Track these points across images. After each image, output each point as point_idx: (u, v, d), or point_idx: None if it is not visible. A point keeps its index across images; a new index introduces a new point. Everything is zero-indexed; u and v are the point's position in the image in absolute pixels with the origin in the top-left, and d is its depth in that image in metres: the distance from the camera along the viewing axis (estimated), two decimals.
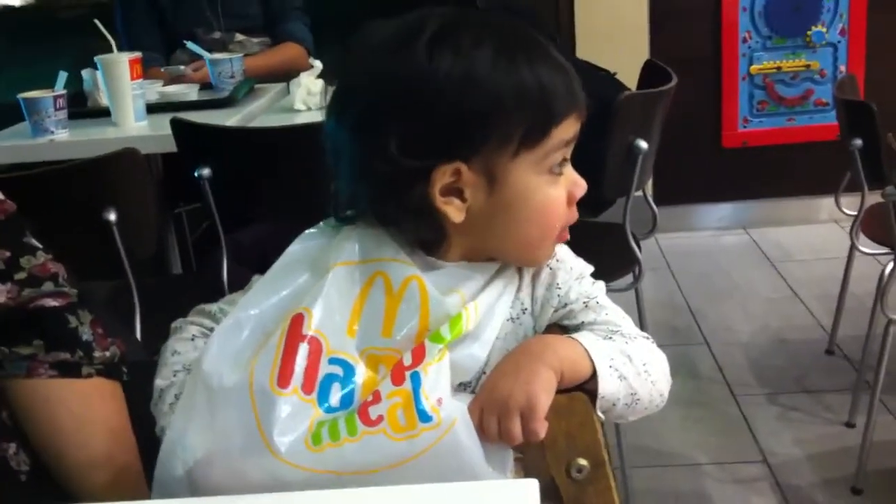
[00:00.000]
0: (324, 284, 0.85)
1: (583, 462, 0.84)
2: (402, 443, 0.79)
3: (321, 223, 0.93)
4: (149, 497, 0.96)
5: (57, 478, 1.01)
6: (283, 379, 0.81)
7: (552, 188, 0.87)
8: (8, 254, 1.00)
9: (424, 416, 0.79)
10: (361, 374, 0.83)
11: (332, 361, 0.83)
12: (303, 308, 0.84)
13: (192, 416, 0.83)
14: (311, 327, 0.83)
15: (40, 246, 1.05)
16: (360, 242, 0.88)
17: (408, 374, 0.81)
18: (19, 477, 1.01)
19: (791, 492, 2.17)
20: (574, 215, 0.91)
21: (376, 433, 0.79)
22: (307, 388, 0.81)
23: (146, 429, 0.96)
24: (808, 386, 2.63)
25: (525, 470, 0.86)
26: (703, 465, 2.31)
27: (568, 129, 0.86)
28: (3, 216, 1.02)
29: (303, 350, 0.82)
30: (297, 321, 0.83)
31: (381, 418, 0.80)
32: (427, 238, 0.88)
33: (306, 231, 0.92)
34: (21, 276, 1.00)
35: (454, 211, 0.85)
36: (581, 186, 0.89)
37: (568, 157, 0.88)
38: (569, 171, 0.89)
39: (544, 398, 0.81)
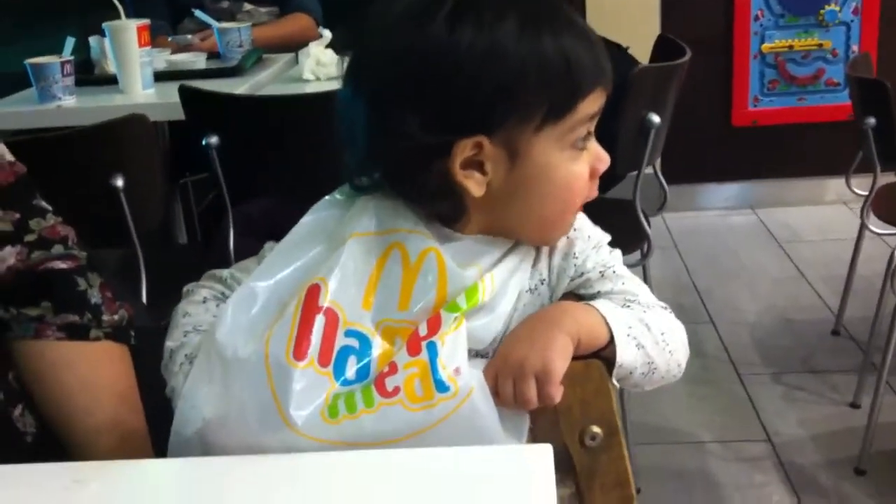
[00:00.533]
0: (340, 255, 0.83)
1: (596, 430, 0.84)
2: (420, 413, 0.78)
3: (336, 192, 0.91)
4: (152, 454, 0.97)
5: (63, 441, 1.00)
6: (300, 351, 0.80)
7: (575, 164, 0.85)
8: (18, 216, 1.00)
9: (442, 386, 0.79)
10: (378, 346, 0.82)
11: (349, 334, 0.82)
12: (319, 279, 0.83)
13: (207, 386, 0.82)
14: (327, 298, 0.82)
15: (50, 208, 1.04)
16: (376, 213, 0.86)
17: (424, 344, 0.80)
18: (25, 438, 1.01)
19: (794, 471, 2.16)
20: (594, 191, 0.89)
21: (393, 404, 0.78)
22: (323, 360, 0.80)
23: (153, 395, 0.96)
24: (813, 366, 2.63)
25: (535, 439, 0.85)
26: (708, 443, 2.31)
27: (594, 103, 0.84)
28: (14, 178, 1.02)
29: (319, 322, 0.81)
30: (313, 292, 0.82)
31: (397, 389, 0.79)
32: (446, 212, 0.86)
33: (322, 200, 0.91)
34: (31, 238, 1.00)
35: (474, 185, 0.83)
36: (605, 161, 0.87)
37: (592, 130, 0.86)
38: (592, 145, 0.87)
39: (560, 363, 0.80)
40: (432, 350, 0.80)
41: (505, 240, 0.88)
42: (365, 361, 0.81)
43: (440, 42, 0.79)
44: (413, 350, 0.80)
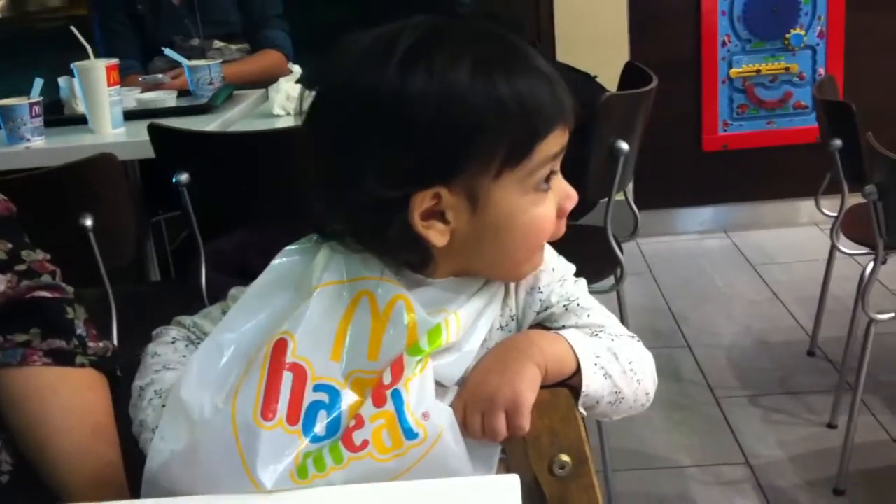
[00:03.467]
0: (307, 308, 0.82)
1: (565, 458, 0.84)
2: (390, 463, 0.78)
3: (303, 239, 0.89)
4: (127, 493, 0.96)
5: (39, 469, 1.00)
6: (268, 411, 0.79)
7: (539, 206, 0.83)
8: (10, 245, 1.02)
9: (410, 434, 0.78)
10: (348, 399, 0.81)
11: (318, 388, 0.80)
12: (285, 333, 0.81)
13: (174, 449, 0.81)
14: (294, 354, 0.80)
15: (37, 248, 1.07)
16: (344, 261, 0.84)
17: (388, 393, 0.79)
18: (0, 479, 1.00)
19: (774, 493, 2.17)
20: (562, 228, 0.87)
21: (363, 458, 0.78)
22: (292, 418, 0.79)
23: (123, 432, 0.96)
24: (790, 387, 2.64)
25: (507, 469, 0.85)
26: (687, 467, 2.31)
27: (554, 143, 0.82)
28: (7, 212, 1.05)
29: (286, 379, 0.80)
30: (280, 347, 0.81)
31: (366, 443, 0.78)
32: (412, 260, 0.84)
33: (287, 248, 0.89)
34: (21, 267, 1.02)
35: (436, 235, 0.81)
36: (573, 199, 0.86)
37: (557, 169, 0.84)
38: (558, 183, 0.85)
39: (529, 395, 0.80)
40: (398, 398, 0.79)
41: (474, 280, 0.86)
42: (335, 415, 0.80)
43: (393, 90, 0.77)
44: (378, 401, 0.79)
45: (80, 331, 1.03)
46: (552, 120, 0.81)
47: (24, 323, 1.01)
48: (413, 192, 0.79)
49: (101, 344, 1.05)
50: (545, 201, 0.84)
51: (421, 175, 0.79)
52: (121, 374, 1.07)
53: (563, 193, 0.85)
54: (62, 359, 1.01)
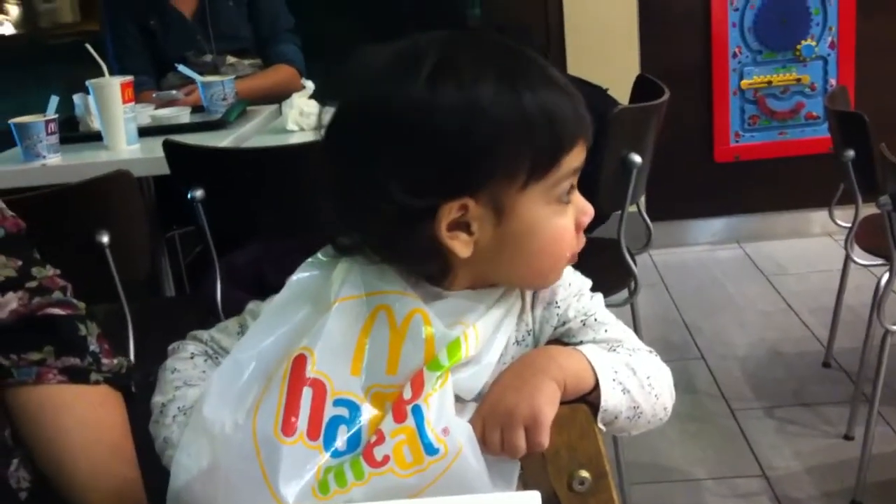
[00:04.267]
0: (325, 322, 0.82)
1: (585, 474, 0.83)
2: (411, 478, 0.78)
3: (318, 253, 0.90)
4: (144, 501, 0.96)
5: (57, 489, 1.00)
6: (288, 426, 0.79)
7: (561, 218, 0.84)
8: (20, 262, 1.02)
9: (431, 450, 0.78)
10: (368, 413, 0.81)
11: (338, 403, 0.81)
12: (304, 349, 0.82)
13: (197, 466, 0.81)
14: (314, 369, 0.81)
15: (47, 263, 1.06)
16: (361, 275, 0.85)
17: (408, 408, 0.79)
18: (19, 496, 1.00)
19: None
20: (582, 242, 0.88)
21: (383, 473, 0.78)
22: (312, 433, 0.79)
23: (141, 448, 0.96)
24: (805, 399, 2.63)
25: (525, 484, 0.85)
26: (702, 480, 2.30)
27: (577, 157, 0.83)
28: (17, 229, 1.05)
29: (307, 394, 0.80)
30: (300, 363, 0.81)
31: (387, 458, 0.78)
32: (431, 272, 0.85)
33: (305, 262, 0.90)
34: (32, 284, 1.02)
35: (461, 246, 0.82)
36: (589, 213, 0.87)
37: (575, 184, 0.86)
38: (576, 198, 0.86)
39: (549, 411, 0.80)
40: (418, 414, 0.79)
41: (492, 292, 0.87)
42: (355, 430, 0.80)
43: (422, 103, 0.78)
44: (399, 416, 0.79)
45: (93, 347, 1.03)
46: (576, 133, 0.82)
47: (37, 340, 1.00)
48: (441, 202, 0.80)
49: (114, 361, 1.05)
50: (566, 213, 0.85)
51: (449, 186, 0.80)
52: (136, 389, 1.08)
53: (580, 208, 0.87)
54: (77, 376, 1.01)
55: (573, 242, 0.87)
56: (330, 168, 0.84)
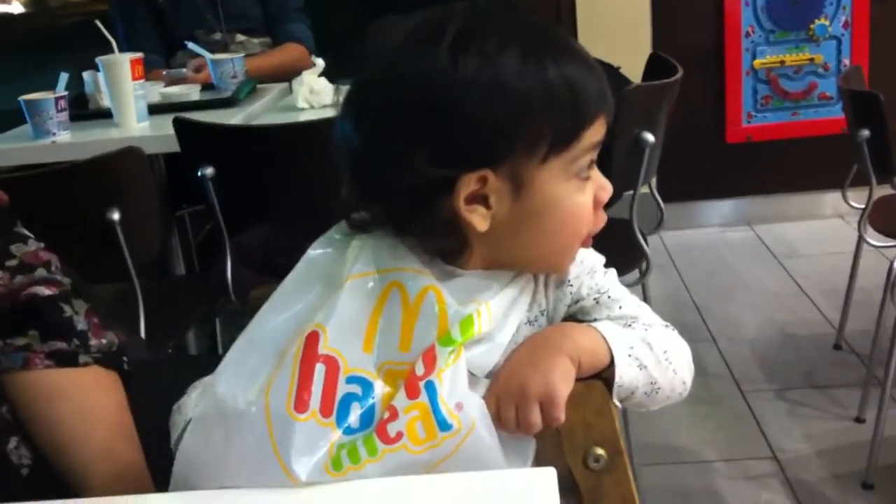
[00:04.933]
0: (338, 299, 0.82)
1: (600, 451, 0.83)
2: (424, 454, 0.77)
3: (331, 231, 0.89)
4: (152, 489, 0.95)
5: (59, 472, 1.00)
6: (301, 403, 0.78)
7: (580, 194, 0.83)
8: None
9: (444, 425, 0.78)
10: (380, 390, 0.81)
11: (350, 380, 0.80)
12: (317, 325, 0.81)
13: (207, 441, 0.81)
14: (326, 345, 0.80)
15: (31, 235, 1.04)
16: (374, 252, 0.84)
17: (422, 384, 0.79)
18: (21, 472, 1.00)
19: (801, 487, 2.15)
20: (601, 220, 0.87)
21: (397, 450, 0.77)
22: (325, 410, 0.79)
23: (153, 427, 0.95)
24: (816, 381, 2.62)
25: (539, 461, 0.85)
26: (713, 461, 2.29)
27: (597, 132, 0.82)
28: None
29: (319, 371, 0.80)
30: (312, 339, 0.81)
31: (400, 435, 0.78)
32: (447, 248, 0.84)
33: (317, 240, 0.89)
34: (12, 263, 1.00)
35: (478, 219, 0.81)
36: (608, 190, 0.86)
37: (595, 159, 0.84)
38: (595, 174, 0.85)
39: (563, 387, 0.79)
40: (431, 390, 0.78)
41: (505, 273, 0.86)
42: (368, 407, 0.80)
43: (444, 73, 0.77)
44: (412, 392, 0.79)
45: (80, 326, 1.01)
46: (598, 107, 0.81)
47: (22, 325, 0.99)
48: (459, 174, 0.79)
49: (103, 340, 1.03)
50: (585, 189, 0.84)
51: (469, 157, 0.79)
52: (129, 367, 1.06)
53: (599, 184, 0.85)
54: (64, 360, 0.99)
55: (591, 220, 0.85)
56: (348, 139, 0.83)
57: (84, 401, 1.00)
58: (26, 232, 1.04)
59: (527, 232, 0.83)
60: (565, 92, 0.79)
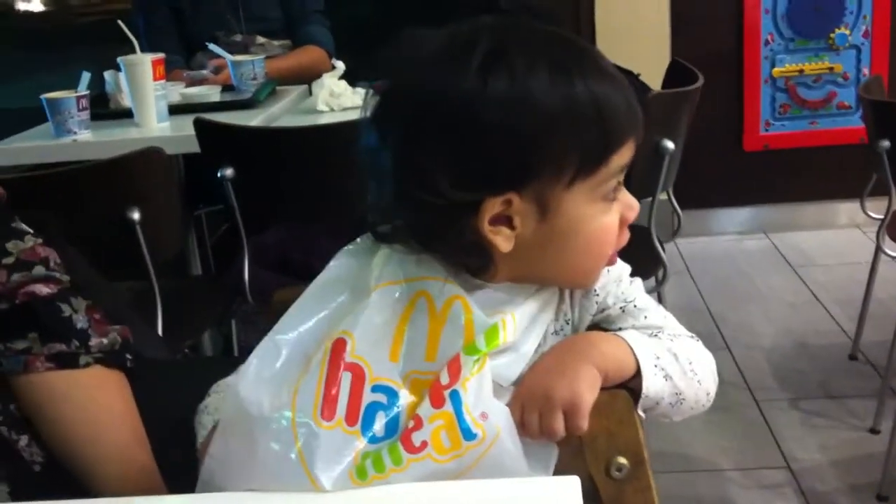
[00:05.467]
0: (365, 307, 0.82)
1: (622, 461, 0.83)
2: (449, 464, 0.77)
3: (358, 240, 0.89)
4: (161, 485, 0.96)
5: (70, 470, 1.00)
6: (328, 411, 0.79)
7: (605, 216, 0.82)
8: None
9: (469, 434, 0.78)
10: (405, 399, 0.81)
11: (376, 389, 0.80)
12: (344, 332, 0.81)
13: (233, 446, 0.81)
14: (353, 353, 0.80)
15: (30, 231, 1.03)
16: (400, 261, 0.84)
17: (446, 393, 0.79)
18: (33, 468, 1.00)
19: (815, 498, 2.14)
20: (625, 238, 0.86)
21: (422, 459, 0.77)
22: (350, 419, 0.79)
23: (168, 427, 0.95)
24: (831, 391, 2.61)
25: (561, 470, 0.84)
26: (727, 470, 2.29)
27: (626, 154, 0.81)
28: None
29: (345, 379, 0.80)
30: (339, 346, 0.81)
31: (425, 444, 0.78)
32: (472, 264, 0.83)
33: (343, 249, 0.89)
34: (9, 260, 0.99)
35: (502, 240, 0.80)
36: (634, 209, 0.85)
37: (622, 180, 0.83)
38: (622, 194, 0.84)
39: (588, 395, 0.80)
40: (456, 399, 0.78)
41: (530, 285, 0.86)
42: (393, 415, 0.80)
43: (473, 94, 0.76)
44: (437, 402, 0.79)
45: (80, 325, 1.01)
46: (627, 130, 0.80)
47: (21, 328, 0.98)
48: (485, 196, 0.79)
49: (105, 339, 1.02)
50: (611, 211, 0.83)
51: (495, 180, 0.78)
52: (137, 364, 1.05)
53: (626, 203, 0.84)
54: (65, 362, 0.99)
55: (616, 240, 0.85)
56: (373, 154, 0.82)
57: (87, 402, 1.00)
58: (24, 227, 1.03)
59: (552, 252, 0.82)
60: (594, 117, 0.78)
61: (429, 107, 0.79)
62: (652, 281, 2.17)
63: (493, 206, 0.79)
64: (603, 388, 0.82)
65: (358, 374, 0.80)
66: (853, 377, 2.66)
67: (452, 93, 0.77)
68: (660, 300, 2.21)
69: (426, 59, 0.80)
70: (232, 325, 2.41)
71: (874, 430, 2.38)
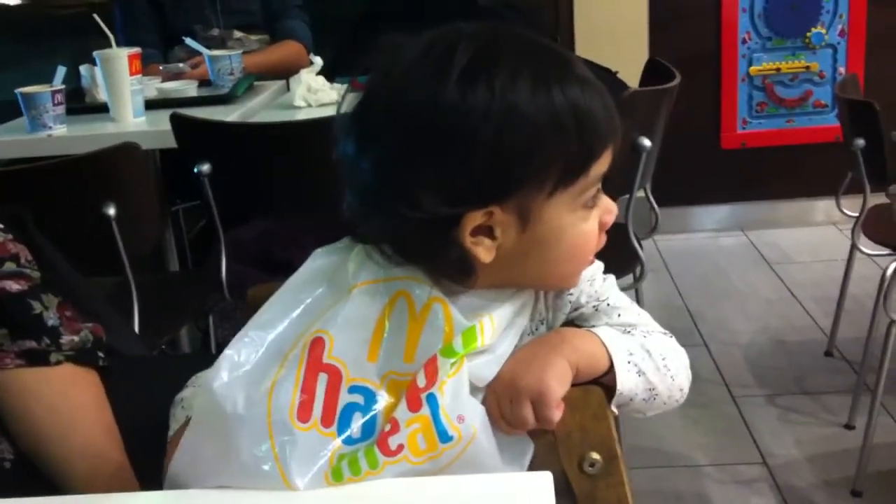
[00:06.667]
0: (344, 306, 0.81)
1: (596, 456, 0.83)
2: (424, 465, 0.77)
3: (337, 242, 0.88)
4: (134, 482, 0.95)
5: (40, 468, 0.99)
6: (303, 412, 0.78)
7: (585, 223, 0.82)
8: None
9: (445, 437, 0.78)
10: (383, 400, 0.80)
11: (353, 390, 0.80)
12: (321, 331, 0.81)
13: (205, 442, 0.80)
14: (330, 354, 0.80)
15: (0, 226, 1.02)
16: (381, 261, 0.83)
17: (423, 396, 0.78)
18: (3, 465, 0.99)
19: (791, 493, 2.16)
20: (603, 241, 0.86)
21: (397, 462, 0.77)
22: (326, 420, 0.78)
23: (143, 424, 0.95)
24: (807, 387, 2.63)
25: (534, 465, 0.85)
26: (703, 466, 2.30)
27: (605, 162, 0.81)
28: None
29: (322, 380, 0.79)
30: (317, 345, 0.80)
31: (401, 447, 0.77)
32: (453, 273, 0.83)
33: (321, 248, 0.88)
34: None
35: (483, 251, 0.80)
36: (613, 213, 0.85)
37: (601, 187, 0.83)
38: (602, 198, 0.84)
39: (555, 385, 0.80)
40: (433, 403, 0.78)
41: (511, 289, 0.86)
42: (370, 417, 0.79)
43: (451, 109, 0.75)
44: (413, 405, 0.78)
45: (51, 322, 0.99)
46: (606, 138, 0.80)
47: None
48: (467, 210, 0.78)
49: (76, 337, 1.01)
50: (591, 217, 0.83)
51: (477, 195, 0.78)
52: (106, 362, 1.04)
53: (605, 208, 0.84)
54: (35, 359, 0.98)
55: (595, 245, 0.85)
56: (350, 161, 0.81)
57: (58, 399, 0.98)
58: None
59: (532, 260, 0.82)
60: (575, 128, 0.78)
61: (407, 120, 0.78)
62: (629, 278, 2.17)
63: (475, 219, 0.79)
64: (576, 384, 0.82)
65: (335, 376, 0.80)
66: (829, 373, 2.69)
67: (431, 106, 0.76)
68: (637, 297, 2.21)
69: (404, 70, 0.79)
70: (210, 320, 2.40)
71: (849, 426, 2.40)
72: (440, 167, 0.77)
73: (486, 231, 0.80)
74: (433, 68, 0.77)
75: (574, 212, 0.81)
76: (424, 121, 0.77)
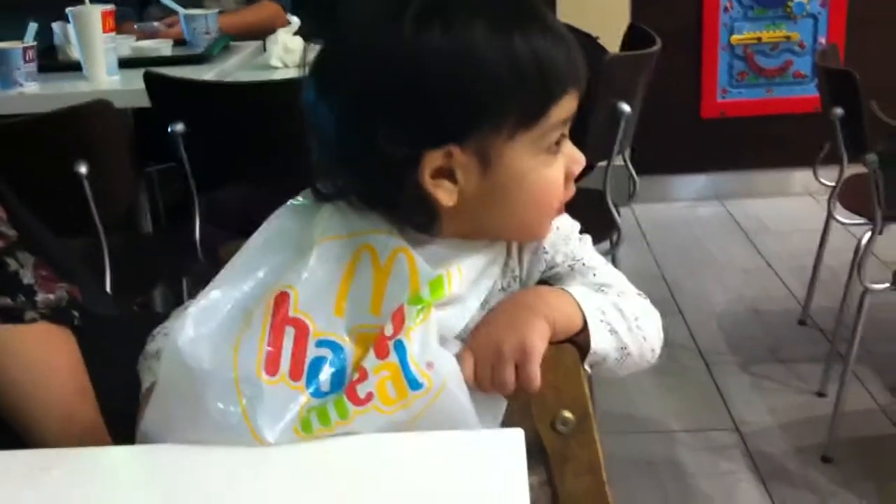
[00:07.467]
0: (308, 261, 0.81)
1: (568, 415, 0.83)
2: (395, 414, 0.77)
3: (300, 197, 0.87)
4: (107, 440, 0.95)
5: (13, 427, 0.98)
6: (271, 366, 0.78)
7: (549, 169, 0.82)
8: None
9: (415, 384, 0.77)
10: (351, 353, 0.80)
11: (320, 344, 0.79)
12: (287, 286, 0.80)
13: (172, 401, 0.80)
14: (296, 308, 0.79)
15: None
16: (344, 216, 0.83)
17: (391, 344, 0.78)
18: None
19: (762, 459, 2.18)
20: (571, 192, 0.86)
21: (367, 411, 0.77)
22: (294, 374, 0.78)
23: (116, 384, 0.94)
24: (780, 356, 2.65)
25: (506, 422, 0.84)
26: (676, 432, 2.32)
27: (567, 107, 0.81)
28: None
29: (289, 333, 0.79)
30: (282, 300, 0.79)
31: (370, 395, 0.77)
32: (417, 220, 0.82)
33: (283, 206, 0.87)
34: None
35: (444, 194, 0.80)
36: (580, 162, 0.84)
37: (566, 133, 0.83)
38: (567, 147, 0.84)
39: (539, 345, 0.79)
40: (401, 349, 0.78)
41: (478, 241, 0.85)
42: (338, 369, 0.79)
43: (407, 47, 0.76)
44: (381, 353, 0.78)
45: (27, 280, 0.98)
46: (567, 82, 0.80)
47: None
48: (425, 150, 0.78)
49: (52, 296, 1.00)
50: (555, 164, 0.83)
51: (434, 134, 0.78)
52: (81, 322, 1.02)
53: (571, 157, 0.84)
54: (10, 316, 0.97)
55: (561, 193, 0.84)
56: (313, 111, 0.81)
57: (32, 358, 0.98)
58: None
59: (495, 206, 0.82)
60: (532, 67, 0.77)
61: (365, 62, 0.78)
62: (606, 245, 2.17)
63: (434, 160, 0.79)
64: (550, 343, 0.81)
65: (301, 329, 0.79)
66: (802, 342, 2.71)
67: (387, 47, 0.77)
68: (614, 264, 2.19)
69: (363, 15, 0.79)
70: (184, 283, 2.38)
71: (821, 394, 2.42)
72: (397, 107, 0.77)
73: (447, 174, 0.80)
74: (390, 11, 0.78)
75: (536, 156, 0.81)
76: (381, 62, 0.77)
